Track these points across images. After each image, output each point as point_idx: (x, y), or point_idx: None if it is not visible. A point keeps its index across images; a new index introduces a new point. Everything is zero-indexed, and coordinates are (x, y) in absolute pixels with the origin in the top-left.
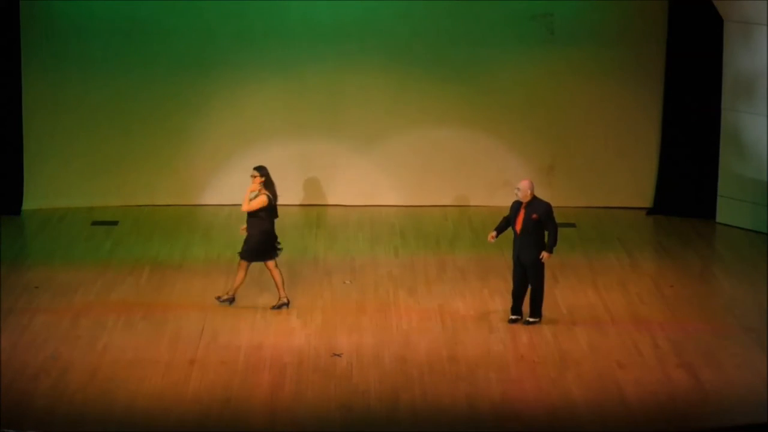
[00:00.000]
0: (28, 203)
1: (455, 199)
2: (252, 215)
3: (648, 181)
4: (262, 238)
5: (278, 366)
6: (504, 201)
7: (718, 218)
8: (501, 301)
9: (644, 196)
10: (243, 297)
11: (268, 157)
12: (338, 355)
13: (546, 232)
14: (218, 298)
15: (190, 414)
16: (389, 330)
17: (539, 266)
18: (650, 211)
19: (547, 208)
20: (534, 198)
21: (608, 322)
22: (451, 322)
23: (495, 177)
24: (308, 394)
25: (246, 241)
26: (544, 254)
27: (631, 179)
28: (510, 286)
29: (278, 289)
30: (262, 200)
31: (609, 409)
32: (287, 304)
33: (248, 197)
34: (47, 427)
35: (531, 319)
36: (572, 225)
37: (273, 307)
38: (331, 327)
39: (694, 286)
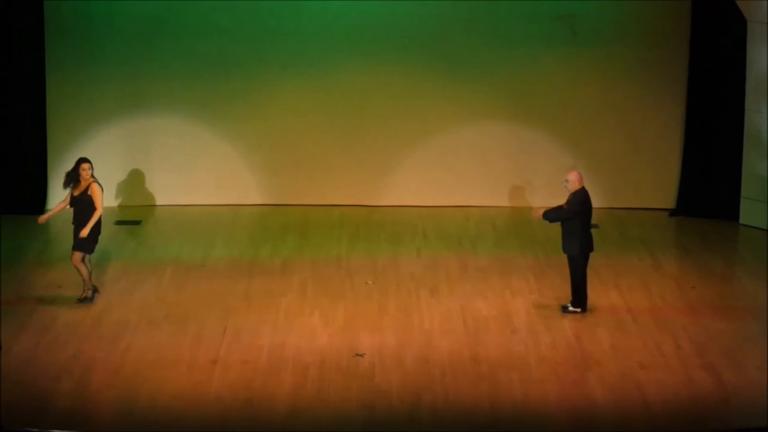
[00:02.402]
0: (52, 203)
1: (477, 200)
2: (90, 207)
3: (671, 183)
4: (98, 228)
5: (300, 366)
6: (525, 201)
7: (741, 220)
8: (523, 302)
9: (667, 198)
10: (265, 297)
11: (289, 156)
12: (360, 356)
13: (582, 226)
14: (79, 300)
15: (212, 413)
16: (411, 330)
17: (573, 257)
18: (673, 213)
19: (576, 196)
20: (579, 189)
21: (630, 323)
22: (473, 323)
23: (517, 178)
24: (330, 394)
25: (80, 233)
26: (537, 211)
27: (653, 180)
28: (533, 285)
29: (85, 281)
30: (98, 190)
31: (631, 410)
32: (91, 299)
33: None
34: (70, 426)
35: (570, 308)
36: (595, 226)
37: (78, 300)
38: (353, 327)
39: (716, 288)
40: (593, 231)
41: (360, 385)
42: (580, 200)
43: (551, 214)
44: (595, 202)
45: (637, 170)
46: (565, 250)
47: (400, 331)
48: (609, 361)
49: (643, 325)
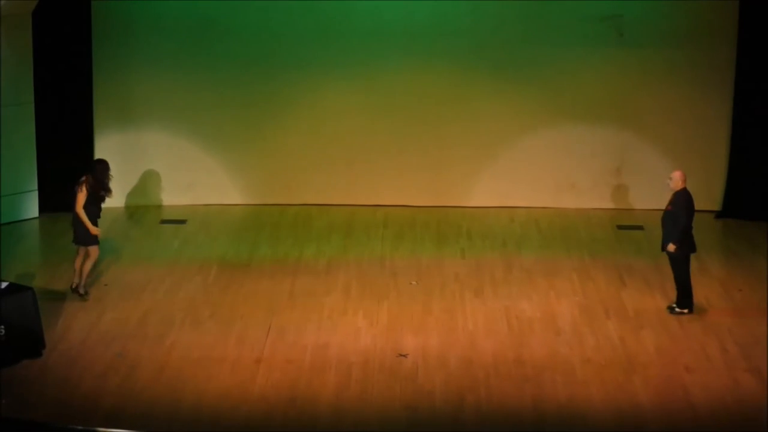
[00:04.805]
0: None
1: (522, 201)
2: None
3: (717, 184)
4: None
5: (344, 366)
6: (571, 202)
7: None
8: (567, 303)
9: (713, 199)
10: (310, 296)
11: (334, 156)
12: (404, 356)
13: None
14: (77, 294)
15: (256, 412)
16: (455, 331)
17: (672, 257)
18: (719, 215)
19: (683, 198)
20: (681, 189)
21: (676, 326)
22: (517, 324)
23: (562, 178)
24: (374, 394)
25: (89, 228)
26: (671, 245)
27: (700, 182)
28: (577, 287)
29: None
30: None
31: (676, 413)
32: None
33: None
34: (115, 424)
35: (676, 309)
36: (640, 227)
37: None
38: (397, 327)
39: (762, 291)
40: (640, 233)
41: (403, 386)
42: (685, 200)
43: (675, 234)
44: (641, 203)
45: (683, 171)
46: (665, 249)
47: (443, 332)
48: (654, 364)
49: (688, 327)
